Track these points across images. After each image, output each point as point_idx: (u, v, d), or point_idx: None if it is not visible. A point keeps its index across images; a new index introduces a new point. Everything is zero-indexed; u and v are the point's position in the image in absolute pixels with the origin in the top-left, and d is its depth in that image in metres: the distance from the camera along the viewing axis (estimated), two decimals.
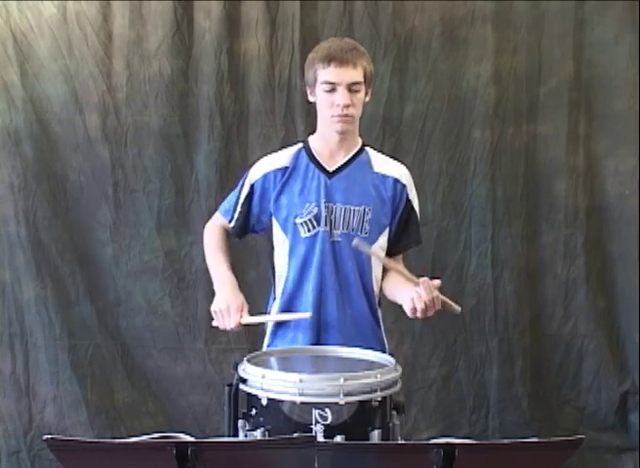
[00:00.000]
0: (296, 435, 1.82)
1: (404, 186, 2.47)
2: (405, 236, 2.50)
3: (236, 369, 2.01)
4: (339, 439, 1.83)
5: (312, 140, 2.50)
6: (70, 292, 3.58)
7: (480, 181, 3.65)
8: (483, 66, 3.61)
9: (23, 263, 3.55)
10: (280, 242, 2.46)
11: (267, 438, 1.88)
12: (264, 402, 1.92)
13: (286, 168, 2.45)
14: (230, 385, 2.00)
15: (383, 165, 2.49)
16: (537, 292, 3.70)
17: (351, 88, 2.33)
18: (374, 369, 1.98)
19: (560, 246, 3.68)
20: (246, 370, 1.99)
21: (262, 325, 2.53)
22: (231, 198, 2.55)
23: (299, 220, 2.41)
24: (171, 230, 3.62)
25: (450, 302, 2.25)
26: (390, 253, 2.49)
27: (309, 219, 2.40)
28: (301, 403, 1.87)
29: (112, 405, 3.61)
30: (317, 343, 2.37)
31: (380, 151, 2.54)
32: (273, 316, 2.45)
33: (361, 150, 2.49)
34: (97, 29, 3.53)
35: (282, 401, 1.89)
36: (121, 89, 3.57)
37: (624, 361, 3.70)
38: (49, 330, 3.56)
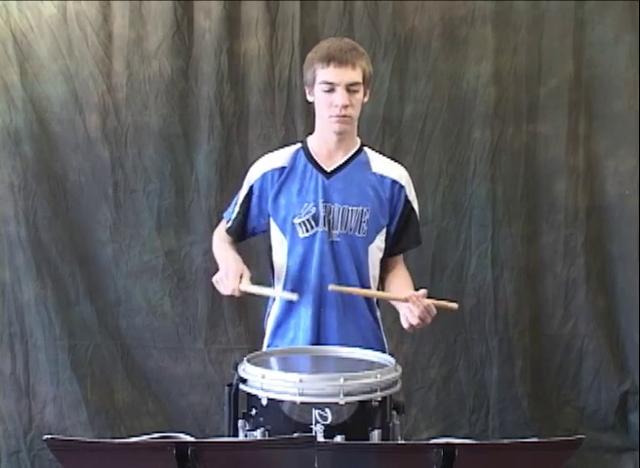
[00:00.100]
0: (296, 435, 1.82)
1: (402, 187, 2.46)
2: (405, 237, 2.50)
3: (236, 369, 2.01)
4: (339, 439, 1.83)
5: (310, 140, 2.50)
6: (70, 292, 3.59)
7: (480, 181, 3.65)
8: (483, 66, 3.61)
9: (23, 263, 3.55)
10: (278, 242, 2.46)
11: (267, 438, 1.88)
12: (264, 402, 1.92)
13: (284, 168, 2.45)
14: (230, 385, 2.00)
15: (382, 165, 2.49)
16: (537, 292, 3.70)
17: (350, 88, 2.33)
18: (374, 369, 1.98)
19: (560, 246, 3.68)
20: (246, 370, 1.99)
21: (263, 325, 2.53)
22: (233, 200, 2.56)
23: (297, 221, 2.41)
24: (171, 230, 3.62)
25: (444, 304, 2.24)
26: (391, 253, 2.50)
27: (307, 220, 2.40)
28: (301, 403, 1.87)
29: (112, 405, 3.61)
30: (317, 343, 2.38)
31: (379, 152, 2.54)
32: (268, 290, 2.44)
33: (359, 150, 2.49)
34: (97, 29, 3.53)
35: (282, 401, 1.89)
36: (121, 89, 3.57)
37: (624, 361, 3.70)
38: (49, 330, 3.56)
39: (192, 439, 1.76)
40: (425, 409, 3.66)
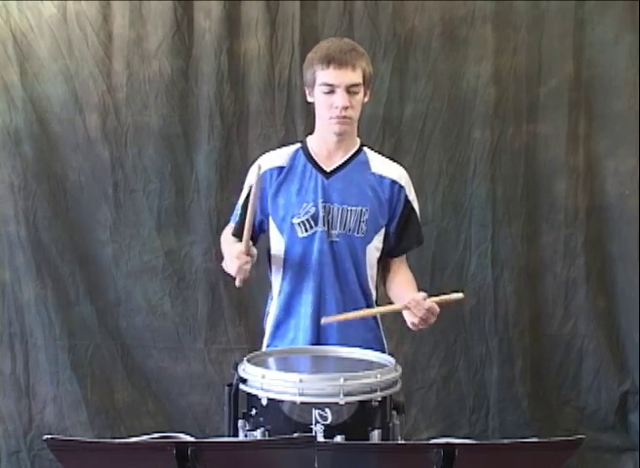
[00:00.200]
0: (296, 435, 1.82)
1: (402, 187, 2.46)
2: (406, 237, 2.49)
3: (236, 369, 2.01)
4: (339, 439, 1.83)
5: (310, 140, 2.50)
6: (70, 292, 3.59)
7: (480, 181, 3.65)
8: (483, 66, 3.61)
9: (23, 263, 3.55)
10: (276, 242, 2.46)
11: (267, 438, 1.88)
12: (264, 402, 1.92)
13: (282, 167, 2.45)
14: (230, 385, 2.00)
15: (381, 166, 2.48)
16: (537, 292, 3.70)
17: (350, 89, 2.33)
18: (374, 369, 1.98)
19: (560, 246, 3.68)
20: (246, 370, 1.99)
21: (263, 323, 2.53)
22: (239, 204, 2.56)
23: (296, 220, 2.41)
24: (171, 230, 3.62)
25: (447, 297, 2.23)
26: (392, 254, 2.50)
27: (307, 219, 2.40)
28: (301, 403, 1.87)
29: (112, 405, 3.61)
30: (317, 343, 2.37)
31: (378, 152, 2.54)
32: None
33: (359, 151, 2.49)
34: (97, 29, 3.53)
35: (282, 401, 1.89)
36: (121, 89, 3.57)
37: (624, 361, 3.70)
38: (49, 330, 3.56)
39: (192, 439, 1.76)
40: (425, 409, 3.66)
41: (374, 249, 2.45)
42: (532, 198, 3.68)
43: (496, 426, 3.67)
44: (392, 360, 2.10)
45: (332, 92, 2.34)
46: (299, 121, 3.57)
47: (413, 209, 2.49)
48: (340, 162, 2.45)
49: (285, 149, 2.51)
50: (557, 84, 3.64)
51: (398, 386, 2.01)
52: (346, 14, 3.58)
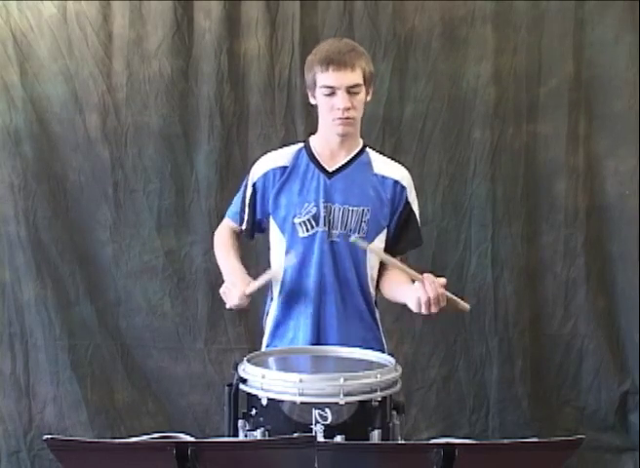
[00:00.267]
0: (296, 435, 1.82)
1: (404, 188, 2.46)
2: (404, 238, 2.49)
3: (236, 369, 2.01)
4: (339, 439, 1.83)
5: (313, 140, 2.50)
6: (70, 292, 3.59)
7: (480, 181, 3.65)
8: (483, 66, 3.61)
9: (23, 263, 3.55)
10: (277, 241, 2.46)
11: (267, 438, 1.88)
12: (264, 402, 1.92)
13: (285, 167, 2.45)
14: (230, 385, 2.00)
15: (384, 166, 2.48)
16: (537, 292, 3.70)
17: (350, 90, 2.33)
18: (374, 369, 1.98)
19: (560, 246, 3.68)
20: (246, 370, 1.99)
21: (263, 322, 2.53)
22: (237, 200, 2.55)
23: (297, 220, 2.41)
24: (171, 230, 3.62)
25: (457, 300, 2.22)
26: (390, 254, 2.49)
27: (308, 219, 2.40)
28: (301, 403, 1.87)
29: (112, 405, 3.61)
30: (316, 343, 2.37)
31: (381, 153, 2.54)
32: (268, 272, 2.41)
33: (362, 151, 2.49)
34: (97, 29, 3.53)
35: (282, 401, 1.89)
36: (121, 89, 3.57)
37: (624, 361, 3.70)
38: (49, 330, 3.57)
39: (192, 439, 1.76)
40: (425, 409, 3.66)
41: (376, 247, 2.44)
42: (532, 198, 3.68)
43: (496, 426, 3.67)
44: (392, 360, 2.10)
45: (332, 94, 2.33)
46: (299, 121, 3.57)
47: (412, 210, 2.49)
48: (343, 162, 2.45)
49: (287, 149, 2.51)
50: (557, 84, 3.64)
51: (398, 386, 2.00)
52: (346, 14, 3.58)
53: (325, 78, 2.33)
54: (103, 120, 3.57)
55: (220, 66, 3.56)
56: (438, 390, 3.68)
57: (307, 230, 2.40)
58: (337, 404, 1.86)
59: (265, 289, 2.55)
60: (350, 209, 2.40)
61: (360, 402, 1.89)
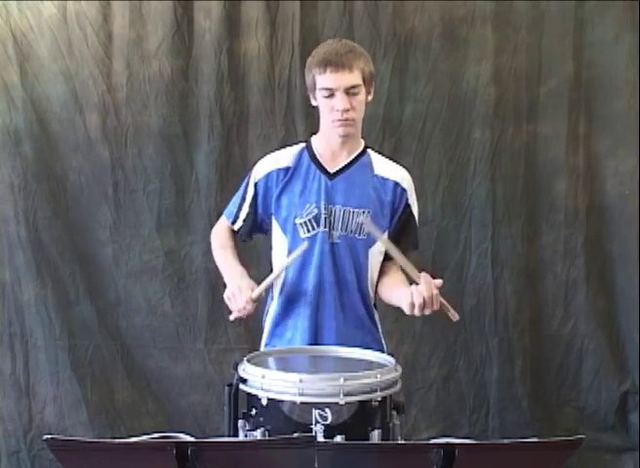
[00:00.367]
0: (296, 435, 1.82)
1: (404, 190, 2.45)
2: (403, 240, 2.47)
3: (236, 369, 2.01)
4: (339, 439, 1.83)
5: (315, 141, 2.50)
6: (70, 292, 3.59)
7: (480, 181, 3.65)
8: (483, 66, 3.61)
9: (23, 263, 3.55)
10: (279, 242, 2.46)
11: (267, 438, 1.88)
12: (264, 402, 1.91)
13: (288, 168, 2.45)
14: (230, 385, 2.00)
15: (385, 168, 2.48)
16: (537, 292, 3.70)
17: (349, 91, 2.32)
18: (374, 369, 1.98)
19: (560, 246, 3.68)
20: (246, 370, 1.99)
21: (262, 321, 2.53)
22: (235, 200, 2.55)
23: (298, 221, 2.41)
24: (171, 230, 3.62)
25: (448, 307, 2.21)
26: (387, 257, 2.49)
27: (309, 220, 2.40)
28: (301, 403, 1.87)
29: (112, 405, 3.61)
30: (315, 343, 2.37)
31: (382, 154, 2.54)
32: (275, 272, 2.41)
33: (363, 152, 2.48)
34: (97, 29, 3.53)
35: (282, 401, 1.89)
36: (121, 89, 3.57)
37: (624, 361, 3.70)
38: (49, 330, 3.57)
39: (192, 439, 1.76)
40: (425, 409, 3.66)
41: (377, 252, 2.44)
42: (532, 198, 3.68)
43: (496, 426, 3.67)
44: (392, 360, 2.10)
45: (332, 95, 2.33)
46: (299, 121, 3.57)
47: (412, 213, 2.48)
48: (344, 163, 2.45)
49: (290, 149, 2.51)
50: (557, 84, 3.64)
51: (398, 386, 2.00)
52: (346, 14, 3.58)
53: (323, 80, 2.33)
54: (103, 120, 3.57)
55: (220, 66, 3.56)
56: (438, 390, 3.68)
57: (308, 231, 2.40)
58: (337, 404, 1.86)
59: (267, 294, 2.55)
60: (351, 210, 2.40)
61: (360, 402, 1.89)
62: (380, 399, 1.92)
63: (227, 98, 3.59)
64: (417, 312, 2.18)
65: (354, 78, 2.32)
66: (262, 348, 2.50)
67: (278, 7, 3.57)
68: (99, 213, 3.60)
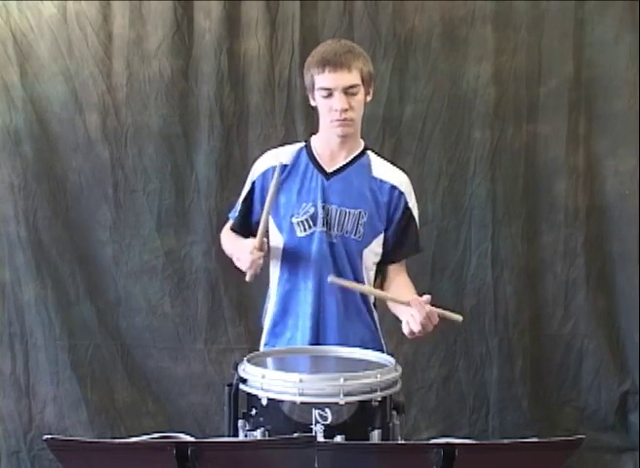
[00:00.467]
0: (296, 435, 1.82)
1: (402, 193, 2.45)
2: (404, 244, 2.47)
3: (236, 369, 2.01)
4: (339, 439, 1.83)
5: (314, 140, 2.50)
6: (70, 292, 3.59)
7: (480, 181, 3.65)
8: (483, 66, 3.61)
9: (23, 263, 3.55)
10: (275, 240, 2.45)
11: (267, 438, 1.88)
12: (264, 402, 1.92)
13: (286, 165, 2.45)
14: (230, 385, 2.00)
15: (383, 170, 2.48)
16: (537, 292, 3.70)
17: (348, 91, 2.33)
18: (374, 369, 1.98)
19: (560, 246, 3.68)
20: (246, 370, 1.99)
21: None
22: (239, 199, 2.56)
23: (295, 220, 2.41)
24: (171, 230, 3.62)
25: (448, 314, 2.20)
26: (390, 260, 2.49)
27: (306, 219, 2.40)
28: (301, 403, 1.87)
29: (112, 405, 3.61)
30: (316, 343, 2.37)
31: (382, 157, 2.53)
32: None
33: (362, 153, 2.48)
34: (97, 29, 3.53)
35: (282, 401, 1.89)
36: (121, 89, 3.57)
37: (624, 361, 3.70)
38: (49, 330, 3.57)
39: (192, 439, 1.76)
40: (425, 409, 3.66)
41: (371, 253, 2.44)
42: (532, 198, 3.68)
43: (496, 426, 3.66)
44: (392, 360, 2.10)
45: (330, 95, 2.34)
46: (299, 121, 3.57)
47: (412, 216, 2.48)
48: (342, 163, 2.45)
49: (289, 147, 2.52)
50: (557, 84, 3.63)
51: (398, 386, 2.01)
52: (346, 14, 3.58)
53: (322, 80, 2.33)
54: (103, 120, 3.57)
55: (220, 66, 3.56)
56: (438, 390, 3.68)
57: (305, 230, 2.41)
58: (337, 404, 1.86)
59: (266, 289, 2.55)
60: (347, 211, 2.40)
61: (360, 402, 1.89)
62: (379, 399, 1.92)
63: (227, 98, 3.59)
64: (418, 335, 2.18)
65: (353, 78, 2.33)
66: (262, 347, 2.51)
67: (278, 7, 3.57)
68: (99, 213, 3.60)
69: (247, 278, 2.33)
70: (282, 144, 2.61)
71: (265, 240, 2.35)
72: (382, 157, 2.54)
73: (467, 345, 3.67)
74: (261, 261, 2.30)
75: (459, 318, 2.23)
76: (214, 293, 3.60)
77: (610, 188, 3.67)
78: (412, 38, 3.60)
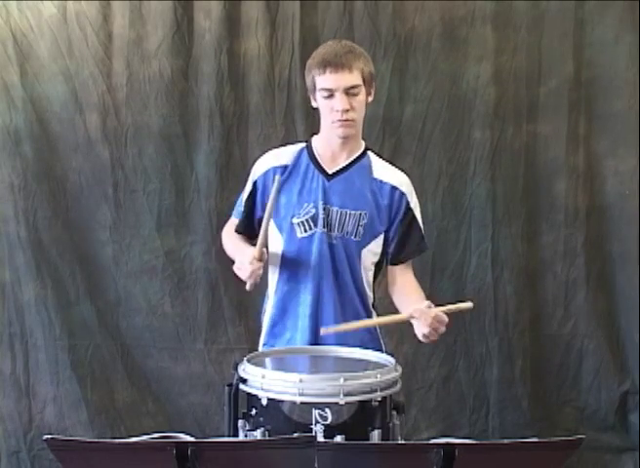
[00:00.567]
0: (296, 435, 1.82)
1: (403, 194, 2.45)
2: (408, 245, 2.47)
3: (236, 369, 2.01)
4: (339, 439, 1.83)
5: (315, 141, 2.50)
6: (70, 292, 3.59)
7: (480, 181, 3.65)
8: (483, 66, 3.61)
9: (23, 263, 3.55)
10: (274, 240, 2.46)
11: (267, 438, 1.88)
12: (264, 402, 1.92)
13: (286, 166, 2.45)
14: (230, 385, 2.00)
15: (383, 171, 2.48)
16: (537, 292, 3.70)
17: (349, 92, 2.33)
18: (374, 369, 1.98)
19: (560, 246, 3.68)
20: (246, 370, 1.99)
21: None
22: (240, 199, 2.56)
23: (295, 220, 2.41)
24: (171, 230, 3.62)
25: (455, 307, 2.20)
26: (395, 261, 2.49)
27: (306, 220, 2.40)
28: (301, 403, 1.87)
29: (112, 405, 3.61)
30: (314, 344, 2.37)
31: (383, 158, 2.53)
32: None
33: (363, 154, 2.48)
34: (97, 29, 3.53)
35: (282, 401, 1.89)
36: (121, 89, 3.57)
37: (624, 361, 3.70)
38: (49, 330, 3.57)
39: (192, 439, 1.76)
40: (425, 409, 3.66)
41: (369, 253, 2.44)
42: (532, 198, 3.68)
43: (496, 426, 3.66)
44: (392, 360, 2.10)
45: (331, 96, 2.34)
46: (299, 121, 3.57)
47: (414, 216, 2.47)
48: (343, 165, 2.45)
49: (290, 148, 2.51)
50: (557, 84, 3.63)
51: (398, 386, 2.01)
52: (346, 14, 3.57)
53: (323, 81, 2.33)
54: (103, 120, 3.57)
55: (220, 66, 3.56)
56: (438, 390, 3.68)
57: (305, 231, 2.41)
58: (337, 404, 1.86)
59: (265, 289, 2.55)
60: (348, 212, 2.40)
61: (360, 402, 1.89)
62: (379, 399, 1.92)
63: (227, 98, 3.59)
64: (433, 339, 2.19)
65: (354, 78, 2.33)
66: (261, 348, 2.51)
67: (278, 7, 3.57)
68: (99, 213, 3.60)
69: (247, 287, 2.33)
70: (282, 144, 2.62)
71: (265, 250, 2.35)
72: (384, 158, 2.53)
73: (467, 345, 3.67)
74: (261, 271, 2.31)
75: (468, 305, 2.21)
76: (214, 293, 3.60)
77: (610, 188, 3.67)
78: (412, 38, 3.60)
